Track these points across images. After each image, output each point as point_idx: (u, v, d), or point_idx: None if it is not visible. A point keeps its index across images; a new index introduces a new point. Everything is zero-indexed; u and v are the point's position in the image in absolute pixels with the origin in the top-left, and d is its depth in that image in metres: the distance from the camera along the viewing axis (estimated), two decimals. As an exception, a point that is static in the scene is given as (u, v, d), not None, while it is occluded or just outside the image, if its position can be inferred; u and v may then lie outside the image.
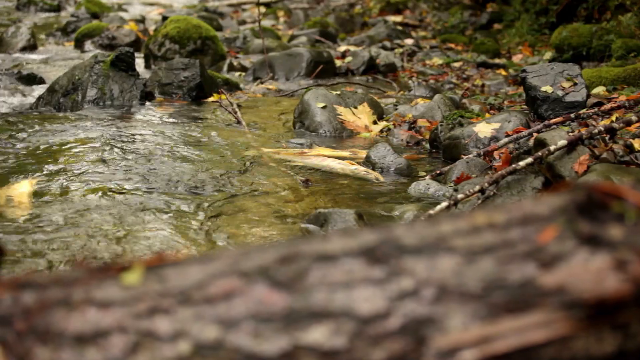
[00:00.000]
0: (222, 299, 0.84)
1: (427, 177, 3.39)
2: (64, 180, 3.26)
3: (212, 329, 0.82)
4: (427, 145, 4.15)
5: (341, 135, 4.40)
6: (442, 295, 0.84)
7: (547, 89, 3.95)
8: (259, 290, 0.85)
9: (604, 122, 3.44)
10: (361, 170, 3.55)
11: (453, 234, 0.90)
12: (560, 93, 3.94)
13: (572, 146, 2.91)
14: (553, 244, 0.88)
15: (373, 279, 0.85)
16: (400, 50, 8.35)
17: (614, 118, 3.48)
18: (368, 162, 3.67)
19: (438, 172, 3.45)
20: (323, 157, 3.75)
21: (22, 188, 3.18)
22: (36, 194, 3.06)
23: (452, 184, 3.27)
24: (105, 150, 3.79)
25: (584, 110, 3.70)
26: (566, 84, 3.96)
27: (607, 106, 3.70)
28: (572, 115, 3.59)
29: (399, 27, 10.19)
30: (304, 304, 0.83)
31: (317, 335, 0.82)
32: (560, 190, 0.95)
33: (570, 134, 3.09)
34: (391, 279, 0.85)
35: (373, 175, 3.49)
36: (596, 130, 3.00)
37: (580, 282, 0.85)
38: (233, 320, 0.83)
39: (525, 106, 4.38)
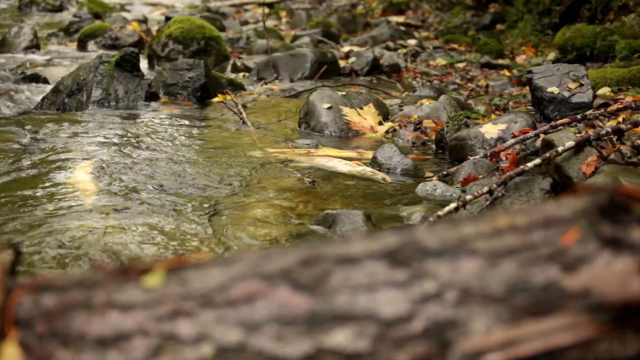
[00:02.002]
0: (244, 301, 0.84)
1: (434, 178, 3.39)
2: (67, 181, 3.27)
3: (234, 332, 0.82)
4: (433, 146, 4.15)
5: (347, 136, 4.40)
6: (465, 298, 0.84)
7: (554, 89, 3.94)
8: (281, 293, 0.84)
9: (610, 123, 3.44)
10: (368, 171, 3.54)
11: (475, 236, 0.89)
12: (566, 94, 3.93)
13: (579, 147, 2.90)
14: (575, 246, 0.87)
15: (396, 282, 0.85)
16: (404, 50, 8.35)
17: (620, 119, 3.47)
18: (374, 163, 3.67)
19: (445, 173, 3.44)
20: (329, 158, 3.74)
21: (82, 177, 3.29)
22: (41, 195, 3.06)
23: (459, 185, 3.26)
24: (111, 151, 3.79)
25: (590, 111, 3.70)
26: (572, 85, 3.95)
27: (614, 107, 3.70)
28: (579, 116, 3.59)
29: (402, 28, 10.19)
30: (326, 307, 0.83)
31: (340, 338, 0.81)
32: (580, 193, 0.94)
33: (578, 135, 3.08)
34: (414, 282, 0.85)
35: (380, 176, 3.48)
36: (604, 132, 2.99)
37: (604, 285, 0.84)
38: (255, 323, 0.82)
39: (530, 107, 4.38)
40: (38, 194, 3.08)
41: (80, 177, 3.31)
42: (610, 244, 0.87)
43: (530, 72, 4.16)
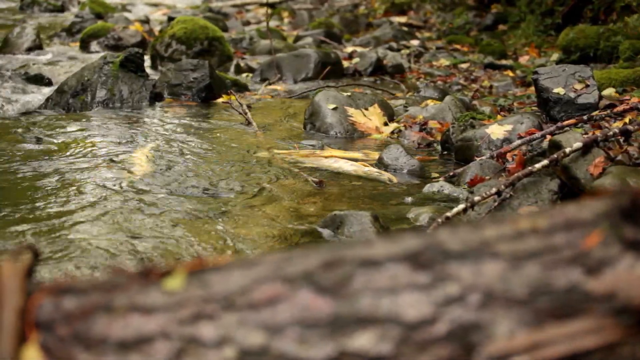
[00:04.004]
0: (266, 304, 0.84)
1: (441, 179, 3.38)
2: (78, 182, 3.26)
3: (257, 335, 0.82)
4: (439, 147, 4.14)
5: (352, 136, 4.40)
6: (488, 300, 0.84)
7: (559, 90, 3.94)
8: (303, 296, 0.84)
9: (617, 124, 3.43)
10: (374, 171, 3.54)
11: (497, 239, 0.89)
12: (572, 95, 3.93)
13: (587, 148, 2.90)
14: (598, 249, 0.87)
15: (418, 285, 0.84)
16: (407, 51, 8.34)
17: (627, 120, 3.47)
18: (381, 164, 3.66)
19: (451, 173, 3.44)
20: (335, 159, 3.74)
21: (139, 157, 3.57)
22: (56, 196, 3.06)
23: (466, 186, 3.26)
24: (116, 152, 3.78)
25: (596, 112, 3.69)
26: (578, 86, 3.95)
27: (620, 108, 3.69)
28: (585, 117, 3.58)
29: (404, 28, 10.18)
30: (349, 310, 0.83)
31: (364, 341, 0.81)
32: (601, 195, 0.94)
33: (585, 136, 3.08)
34: (436, 285, 0.84)
35: (386, 176, 3.48)
36: (611, 133, 2.99)
37: (628, 288, 0.84)
38: (278, 326, 0.82)
39: (536, 108, 4.37)
40: (44, 196, 3.08)
41: (138, 159, 3.52)
42: (632, 246, 0.87)
43: (536, 72, 4.16)
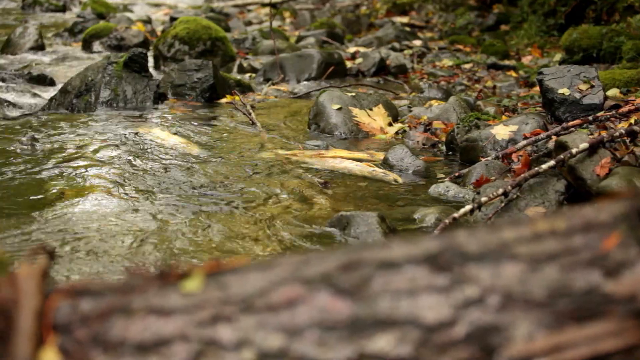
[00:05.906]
0: (285, 306, 0.83)
1: (447, 180, 3.38)
2: (83, 183, 3.26)
3: (276, 337, 0.81)
4: (443, 148, 4.14)
5: (356, 137, 4.39)
6: (507, 303, 0.83)
7: (565, 91, 3.93)
8: (322, 298, 0.83)
9: (622, 125, 3.43)
10: (379, 172, 3.54)
11: (515, 240, 0.89)
12: (577, 95, 3.93)
13: (593, 149, 2.90)
14: (616, 251, 0.86)
15: (437, 287, 0.84)
16: (410, 51, 8.33)
17: (632, 120, 3.47)
18: (386, 164, 3.66)
19: (457, 174, 3.43)
20: (340, 159, 3.73)
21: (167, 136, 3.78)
22: (58, 198, 3.06)
23: (471, 187, 3.25)
24: (121, 153, 3.78)
25: (601, 113, 3.69)
26: (583, 87, 3.94)
27: (625, 108, 3.69)
28: (590, 118, 3.58)
29: (407, 29, 10.18)
30: (368, 312, 0.82)
31: (383, 343, 0.81)
32: (619, 197, 0.94)
33: (591, 136, 3.08)
34: (455, 287, 0.84)
35: (391, 177, 3.48)
36: (617, 133, 2.99)
37: (648, 291, 0.83)
38: (297, 328, 0.82)
39: (540, 108, 4.37)
40: (50, 195, 3.08)
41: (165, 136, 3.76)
42: (651, 248, 0.87)
43: (540, 73, 4.15)
